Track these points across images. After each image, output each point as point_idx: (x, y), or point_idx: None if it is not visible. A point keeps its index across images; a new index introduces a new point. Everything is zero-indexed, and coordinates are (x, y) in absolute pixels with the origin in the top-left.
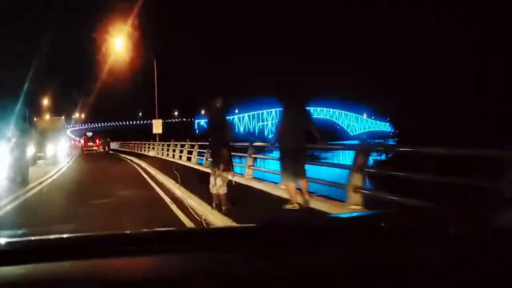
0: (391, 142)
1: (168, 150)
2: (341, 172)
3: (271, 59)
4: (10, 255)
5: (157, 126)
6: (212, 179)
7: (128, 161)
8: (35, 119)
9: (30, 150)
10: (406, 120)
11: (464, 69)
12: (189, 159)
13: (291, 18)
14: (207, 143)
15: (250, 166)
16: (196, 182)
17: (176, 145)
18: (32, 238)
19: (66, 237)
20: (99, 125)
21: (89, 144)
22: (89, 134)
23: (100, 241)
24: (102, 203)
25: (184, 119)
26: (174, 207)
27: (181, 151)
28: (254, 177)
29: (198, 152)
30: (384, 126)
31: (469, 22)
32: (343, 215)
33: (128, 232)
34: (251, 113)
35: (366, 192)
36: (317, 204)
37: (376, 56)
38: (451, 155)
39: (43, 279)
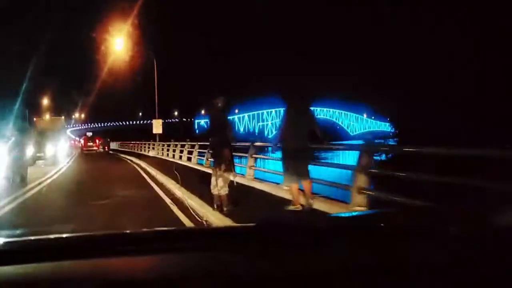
0: (391, 142)
1: (168, 150)
2: (340, 172)
3: (271, 59)
4: (9, 255)
5: (157, 126)
6: (213, 179)
7: (128, 161)
8: (34, 119)
9: (30, 150)
10: (406, 120)
11: (464, 69)
12: (189, 159)
13: (291, 18)
14: (208, 143)
15: (252, 166)
16: (196, 182)
17: (176, 145)
18: (31, 237)
19: (66, 237)
20: (99, 125)
21: (89, 144)
22: (89, 134)
23: (99, 240)
24: (102, 203)
25: (184, 119)
26: (174, 208)
27: (181, 151)
28: (255, 178)
29: (199, 152)
30: (384, 126)
31: (469, 22)
32: (343, 215)
33: (127, 231)
34: (251, 113)
35: (371, 193)
36: (320, 205)
37: (376, 56)
38: (451, 155)
39: (42, 279)
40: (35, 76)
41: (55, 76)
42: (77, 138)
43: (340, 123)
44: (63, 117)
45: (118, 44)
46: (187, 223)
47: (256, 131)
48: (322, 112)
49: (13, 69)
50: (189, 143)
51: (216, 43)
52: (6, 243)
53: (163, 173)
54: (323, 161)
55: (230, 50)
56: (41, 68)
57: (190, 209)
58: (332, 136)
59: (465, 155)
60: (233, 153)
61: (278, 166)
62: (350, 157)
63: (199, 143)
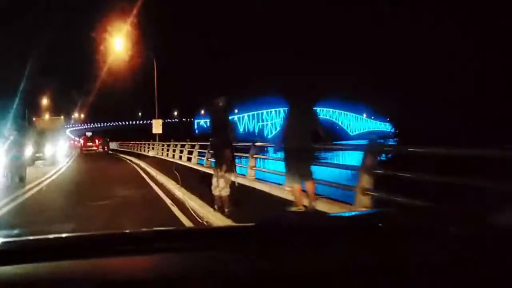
0: (391, 142)
1: (168, 150)
2: (340, 172)
3: (271, 59)
4: (9, 255)
5: (157, 126)
6: (214, 180)
7: (128, 161)
8: (34, 118)
9: (29, 150)
10: (406, 120)
11: (464, 69)
12: (189, 159)
13: (291, 18)
14: (208, 143)
15: (253, 166)
16: (197, 183)
17: (176, 145)
18: (30, 237)
19: (65, 237)
20: (99, 125)
21: (88, 144)
22: (89, 134)
23: (98, 240)
24: (101, 204)
25: (184, 119)
26: (175, 209)
27: (181, 151)
28: (256, 178)
29: (199, 152)
30: (384, 126)
31: (469, 22)
32: (343, 215)
33: (127, 231)
34: (251, 113)
35: (376, 194)
36: (323, 206)
37: (376, 56)
38: (451, 155)
39: (42, 279)
40: (35, 76)
41: (54, 76)
42: (77, 138)
43: (340, 123)
44: (62, 117)
45: (118, 44)
46: (188, 224)
47: (256, 131)
48: (322, 112)
49: (13, 69)
50: (189, 143)
51: (215, 43)
52: (5, 243)
53: (163, 173)
54: (322, 161)
55: (229, 50)
56: (41, 68)
57: (191, 210)
58: (332, 136)
59: (465, 155)
60: (234, 154)
61: (279, 166)
62: (349, 157)
63: (199, 143)
